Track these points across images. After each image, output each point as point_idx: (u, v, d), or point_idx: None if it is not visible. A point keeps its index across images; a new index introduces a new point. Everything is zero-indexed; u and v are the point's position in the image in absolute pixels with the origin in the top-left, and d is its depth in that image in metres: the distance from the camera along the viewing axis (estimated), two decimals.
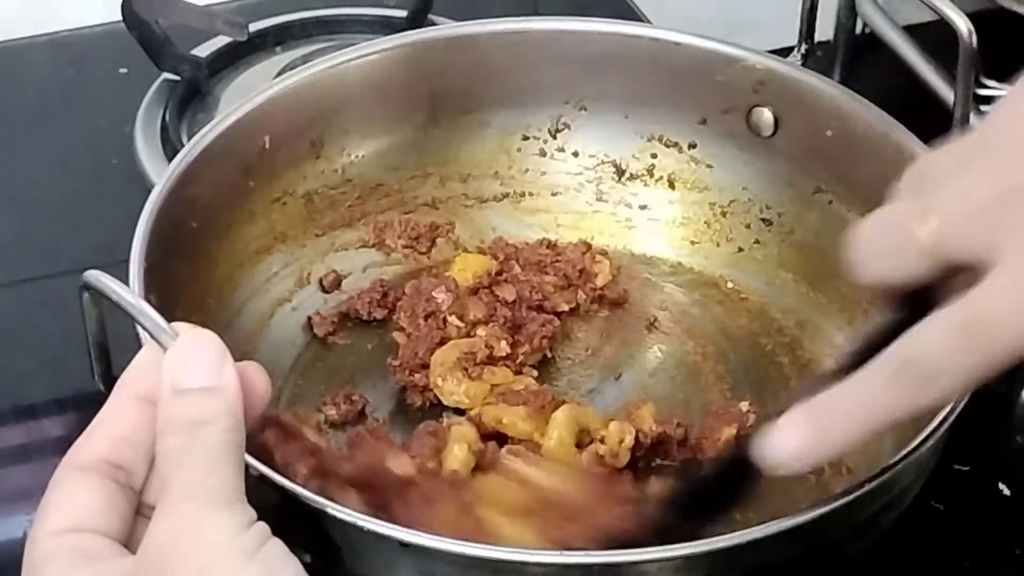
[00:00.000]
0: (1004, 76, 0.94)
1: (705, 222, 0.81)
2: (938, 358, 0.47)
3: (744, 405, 0.70)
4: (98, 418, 0.50)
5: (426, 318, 0.73)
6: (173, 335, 0.51)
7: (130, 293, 0.55)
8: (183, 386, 0.49)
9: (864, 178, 0.73)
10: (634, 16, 1.01)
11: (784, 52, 0.81)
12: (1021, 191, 0.47)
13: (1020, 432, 0.76)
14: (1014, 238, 0.46)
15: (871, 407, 0.49)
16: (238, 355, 0.51)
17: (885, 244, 0.50)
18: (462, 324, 0.73)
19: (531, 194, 0.81)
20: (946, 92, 0.78)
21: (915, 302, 0.49)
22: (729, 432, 0.68)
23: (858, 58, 0.99)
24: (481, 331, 0.73)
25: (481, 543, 0.55)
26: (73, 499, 0.48)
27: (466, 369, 0.71)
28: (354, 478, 0.60)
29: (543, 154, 0.81)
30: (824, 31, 0.95)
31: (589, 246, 0.79)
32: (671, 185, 0.81)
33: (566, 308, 0.77)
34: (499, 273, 0.76)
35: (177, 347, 0.50)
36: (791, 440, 0.51)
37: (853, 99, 0.74)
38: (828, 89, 0.75)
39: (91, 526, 0.48)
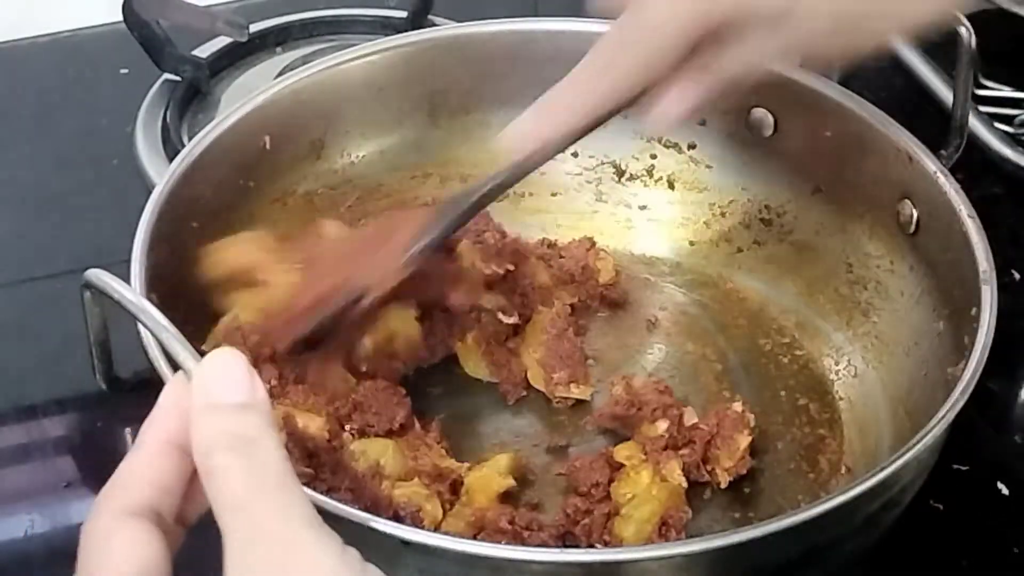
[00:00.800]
0: (1004, 77, 0.95)
1: (704, 222, 0.81)
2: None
3: (738, 406, 0.70)
4: (131, 465, 0.48)
5: None
6: (175, 334, 0.51)
7: (131, 292, 0.55)
8: (219, 401, 0.48)
9: (863, 179, 0.74)
10: None
11: None
12: None
13: (1019, 432, 0.77)
14: None
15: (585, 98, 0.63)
16: None
17: None
18: None
19: (531, 194, 0.81)
20: (945, 93, 0.78)
21: None
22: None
23: None
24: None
25: (481, 542, 0.55)
26: (137, 547, 0.46)
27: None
28: None
29: None
30: None
31: (592, 243, 0.79)
32: (671, 185, 0.81)
33: (569, 303, 0.77)
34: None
35: (206, 365, 0.49)
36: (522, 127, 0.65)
37: (852, 100, 0.74)
38: (827, 90, 0.75)
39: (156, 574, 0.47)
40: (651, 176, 0.81)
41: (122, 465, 0.49)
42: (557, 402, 0.73)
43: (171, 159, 0.72)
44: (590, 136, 0.80)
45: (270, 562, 0.45)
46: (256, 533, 0.46)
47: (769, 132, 0.77)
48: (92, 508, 0.48)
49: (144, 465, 0.49)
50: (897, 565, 0.67)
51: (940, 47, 0.91)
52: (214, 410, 0.48)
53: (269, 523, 0.46)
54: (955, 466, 0.71)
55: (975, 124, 0.89)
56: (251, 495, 0.46)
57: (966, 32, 0.72)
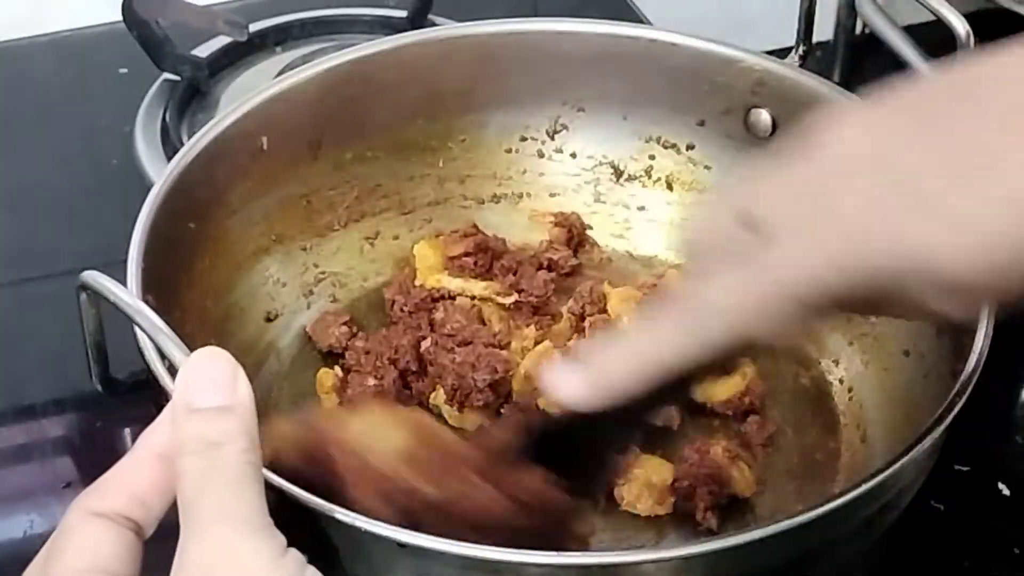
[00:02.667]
0: None
1: None
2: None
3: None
4: (117, 469, 0.50)
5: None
6: (170, 335, 0.51)
7: (127, 293, 0.55)
8: (197, 405, 0.49)
9: None
10: (633, 16, 1.01)
11: (784, 52, 0.81)
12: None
13: (1020, 432, 0.77)
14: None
15: (644, 354, 0.51)
16: (235, 356, 0.51)
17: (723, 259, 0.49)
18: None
19: (529, 195, 0.81)
20: None
21: None
22: None
23: (858, 58, 0.99)
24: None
25: (479, 544, 0.55)
26: (93, 542, 0.48)
27: None
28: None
29: (541, 155, 0.81)
30: (823, 31, 0.95)
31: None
32: (669, 186, 0.81)
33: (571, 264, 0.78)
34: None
35: (189, 365, 0.50)
36: (567, 384, 0.52)
37: (851, 101, 0.74)
38: (826, 90, 0.75)
39: (111, 570, 0.48)
40: (649, 177, 0.81)
41: (112, 468, 0.50)
42: None
43: (171, 159, 0.71)
44: (588, 137, 0.81)
45: (201, 562, 0.46)
46: (195, 532, 0.47)
47: (768, 133, 0.77)
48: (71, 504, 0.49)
49: (125, 473, 0.50)
50: (898, 565, 0.67)
51: (940, 47, 0.90)
52: (190, 414, 0.49)
53: (207, 523, 0.47)
54: (956, 467, 0.71)
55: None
56: (199, 495, 0.47)
57: (965, 32, 0.72)
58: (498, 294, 0.75)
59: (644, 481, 0.67)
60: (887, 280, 0.46)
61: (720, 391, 0.71)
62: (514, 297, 0.74)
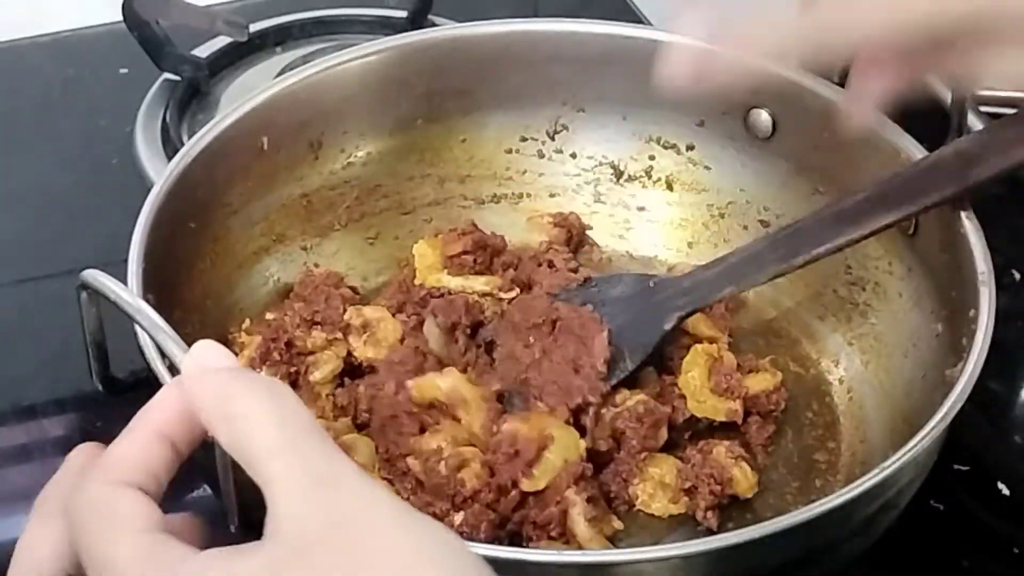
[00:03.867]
0: None
1: (703, 224, 0.80)
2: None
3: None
4: (123, 446, 0.48)
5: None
6: (171, 335, 0.51)
7: (128, 292, 0.55)
8: (216, 365, 0.48)
9: (861, 180, 0.73)
10: (633, 17, 1.01)
11: None
12: None
13: (1019, 432, 0.76)
14: None
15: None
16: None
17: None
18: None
19: (529, 195, 0.81)
20: (944, 93, 0.78)
21: None
22: None
23: None
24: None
25: (476, 543, 0.55)
26: (145, 509, 0.46)
27: None
28: None
29: (541, 155, 0.81)
30: None
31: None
32: (669, 187, 0.81)
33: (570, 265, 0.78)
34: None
35: (194, 351, 0.49)
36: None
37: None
38: (825, 91, 0.75)
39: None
40: (649, 177, 0.81)
41: (110, 448, 0.48)
42: None
43: (171, 159, 0.72)
44: (588, 137, 0.81)
45: (333, 502, 0.43)
46: (310, 475, 0.43)
47: (768, 133, 0.77)
48: (76, 485, 0.47)
49: (135, 450, 0.47)
50: (897, 565, 0.67)
51: None
52: (215, 370, 0.47)
53: (321, 466, 0.43)
54: (955, 466, 0.71)
55: (976, 124, 0.89)
56: (291, 439, 0.44)
57: None
58: (499, 289, 0.75)
59: (659, 480, 0.67)
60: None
61: (754, 383, 0.71)
62: (515, 292, 0.74)
